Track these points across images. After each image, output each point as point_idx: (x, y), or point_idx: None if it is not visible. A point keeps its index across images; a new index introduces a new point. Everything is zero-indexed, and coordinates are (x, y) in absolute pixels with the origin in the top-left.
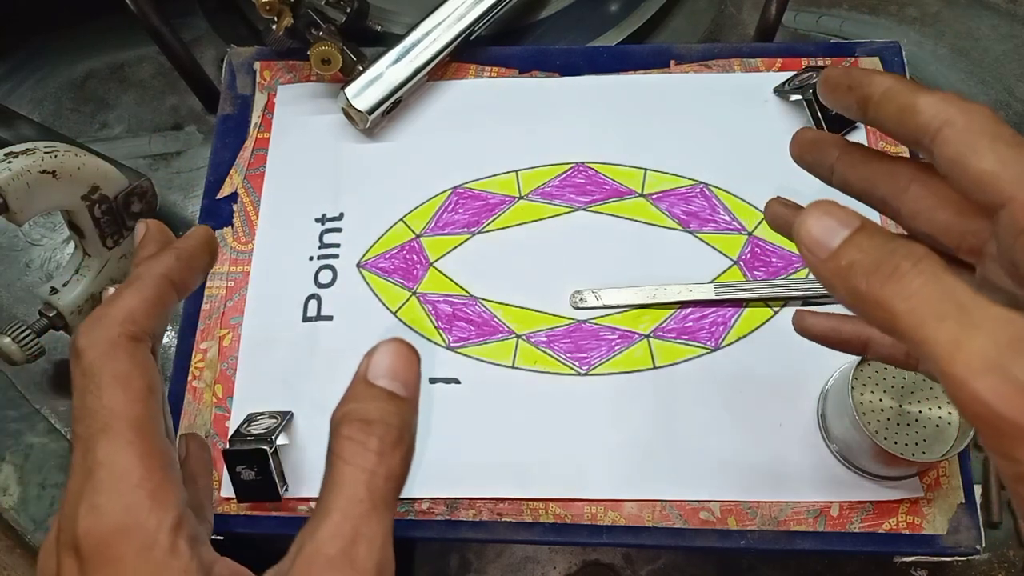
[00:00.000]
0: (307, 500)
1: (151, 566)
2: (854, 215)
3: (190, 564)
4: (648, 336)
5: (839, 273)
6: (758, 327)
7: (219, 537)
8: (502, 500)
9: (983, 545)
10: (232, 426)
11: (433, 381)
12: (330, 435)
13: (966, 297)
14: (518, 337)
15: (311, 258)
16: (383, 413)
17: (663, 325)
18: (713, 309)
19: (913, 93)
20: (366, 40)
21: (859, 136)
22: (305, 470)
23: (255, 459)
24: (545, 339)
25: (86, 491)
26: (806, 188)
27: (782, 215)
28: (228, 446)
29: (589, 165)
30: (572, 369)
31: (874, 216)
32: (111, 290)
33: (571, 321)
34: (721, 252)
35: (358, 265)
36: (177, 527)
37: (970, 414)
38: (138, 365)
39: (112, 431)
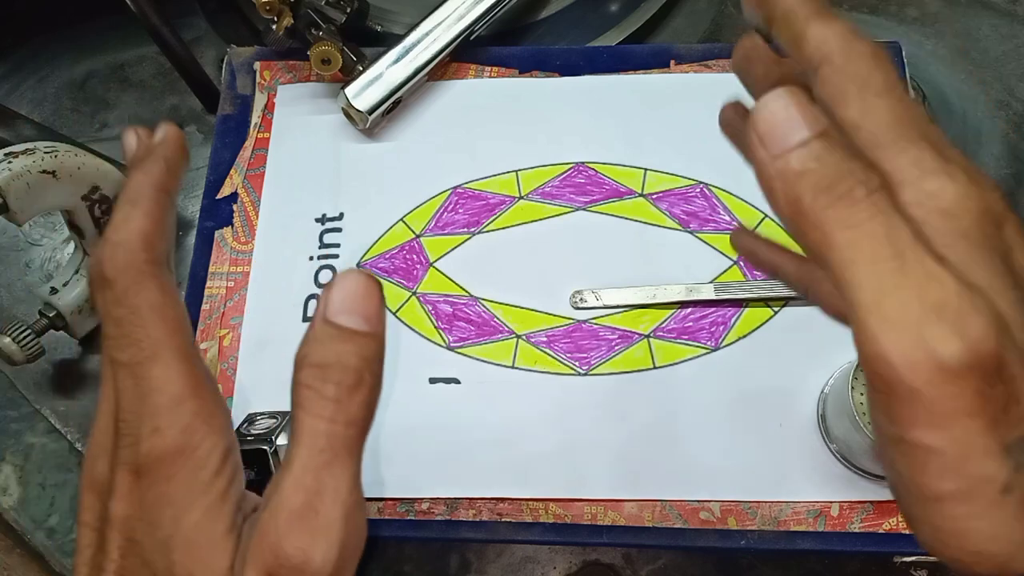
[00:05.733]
0: None
1: (199, 485)
2: (822, 116)
3: (231, 488)
4: (648, 336)
5: (786, 177)
6: (758, 327)
7: None
8: (502, 500)
9: None
10: (232, 426)
11: (433, 381)
12: (292, 381)
13: (907, 243)
14: (518, 337)
15: (311, 258)
16: (339, 354)
17: (663, 325)
18: (713, 309)
19: (808, 19)
20: (366, 40)
21: None
22: None
23: (255, 459)
24: (545, 339)
25: (145, 414)
26: None
27: (735, 123)
28: None
29: (589, 165)
30: (572, 369)
31: None
32: None
33: (571, 321)
34: (721, 252)
35: (358, 265)
36: (227, 453)
37: (869, 369)
38: (168, 295)
39: (162, 359)
